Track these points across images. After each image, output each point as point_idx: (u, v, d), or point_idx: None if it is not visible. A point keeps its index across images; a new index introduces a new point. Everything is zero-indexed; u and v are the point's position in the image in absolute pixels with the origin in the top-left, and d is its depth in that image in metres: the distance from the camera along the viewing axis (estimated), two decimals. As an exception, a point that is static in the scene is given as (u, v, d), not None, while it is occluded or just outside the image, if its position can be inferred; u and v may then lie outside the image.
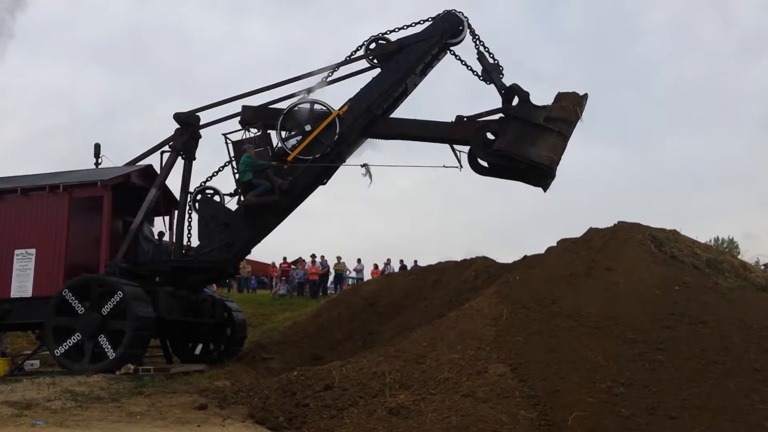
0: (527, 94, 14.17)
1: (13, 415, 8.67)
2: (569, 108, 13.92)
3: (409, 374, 9.35)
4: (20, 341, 18.88)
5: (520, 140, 13.82)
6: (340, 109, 14.47)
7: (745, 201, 72.76)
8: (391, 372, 9.39)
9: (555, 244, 13.30)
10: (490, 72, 14.47)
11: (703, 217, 66.03)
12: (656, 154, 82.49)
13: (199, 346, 16.11)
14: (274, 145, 14.58)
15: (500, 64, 14.60)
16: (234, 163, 14.60)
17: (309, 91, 14.85)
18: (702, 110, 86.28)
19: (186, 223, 14.98)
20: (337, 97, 14.99)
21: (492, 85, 14.48)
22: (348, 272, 27.89)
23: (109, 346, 12.20)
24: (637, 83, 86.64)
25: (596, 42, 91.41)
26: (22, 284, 13.56)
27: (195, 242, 14.92)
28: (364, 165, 14.32)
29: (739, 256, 14.61)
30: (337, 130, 14.26)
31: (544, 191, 14.50)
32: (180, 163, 14.96)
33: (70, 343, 12.45)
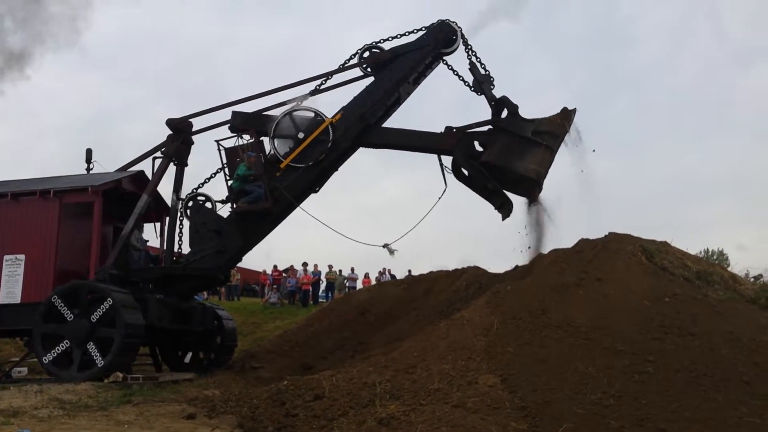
0: (516, 107, 14.31)
1: (-1, 423, 8.61)
2: (557, 122, 14.10)
3: (400, 385, 9.32)
4: (8, 348, 18.73)
5: (508, 153, 13.97)
6: (333, 117, 14.52)
7: (739, 213, 73.12)
8: (381, 382, 9.36)
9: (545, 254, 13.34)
10: (482, 83, 14.67)
11: (695, 229, 66.26)
12: (648, 163, 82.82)
13: (189, 355, 16.03)
14: (267, 152, 14.60)
15: (491, 75, 14.78)
16: (227, 170, 14.60)
17: (302, 99, 14.90)
18: (695, 119, 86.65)
19: (177, 230, 14.94)
20: (330, 105, 15.22)
21: (482, 96, 14.62)
22: (346, 281, 27.70)
23: (98, 354, 12.12)
24: (630, 91, 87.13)
25: (588, 49, 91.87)
26: (11, 290, 13.46)
27: (186, 249, 14.89)
28: (386, 245, 14.99)
29: (729, 269, 14.67)
30: (330, 138, 14.31)
31: (504, 218, 14.42)
32: (172, 169, 14.95)
33: (58, 350, 12.37)
